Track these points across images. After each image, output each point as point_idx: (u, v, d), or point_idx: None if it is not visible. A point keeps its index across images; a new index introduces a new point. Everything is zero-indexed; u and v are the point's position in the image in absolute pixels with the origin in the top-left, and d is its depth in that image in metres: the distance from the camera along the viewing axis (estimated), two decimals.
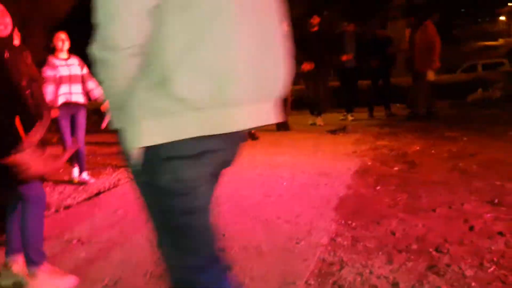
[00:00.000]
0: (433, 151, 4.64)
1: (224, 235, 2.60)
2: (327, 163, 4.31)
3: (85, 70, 4.32)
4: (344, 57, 7.26)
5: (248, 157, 4.83)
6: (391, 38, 8.04)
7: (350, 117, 7.70)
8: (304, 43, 6.66)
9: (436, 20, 7.36)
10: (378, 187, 3.39)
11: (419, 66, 7.16)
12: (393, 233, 2.49)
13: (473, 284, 1.91)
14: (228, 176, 3.94)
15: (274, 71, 1.06)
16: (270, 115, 1.10)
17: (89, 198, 3.71)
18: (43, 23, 8.60)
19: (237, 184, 3.73)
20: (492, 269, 2.03)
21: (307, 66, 6.74)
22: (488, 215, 2.70)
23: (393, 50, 8.05)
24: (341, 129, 6.34)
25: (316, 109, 7.29)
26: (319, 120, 7.19)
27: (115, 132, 1.03)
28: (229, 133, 0.99)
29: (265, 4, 1.06)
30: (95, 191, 3.97)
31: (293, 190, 3.44)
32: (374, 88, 8.11)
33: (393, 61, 7.99)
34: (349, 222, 2.69)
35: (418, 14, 7.84)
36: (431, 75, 7.06)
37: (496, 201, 2.93)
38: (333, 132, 6.31)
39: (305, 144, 5.52)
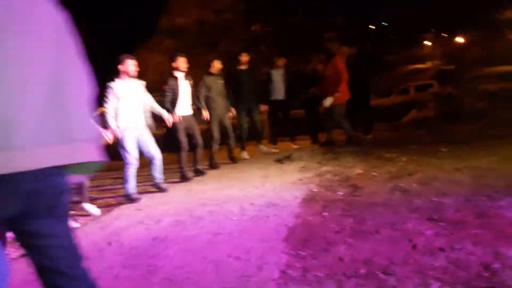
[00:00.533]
0: (374, 173, 4.81)
1: (171, 280, 2.52)
2: (275, 194, 4.33)
3: None
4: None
5: (197, 194, 4.77)
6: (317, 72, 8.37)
7: (274, 149, 7.82)
8: (233, 81, 6.98)
9: (347, 54, 7.94)
10: (325, 213, 3.44)
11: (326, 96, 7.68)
12: (342, 260, 2.51)
13: None
14: (176, 216, 3.88)
15: (65, 116, 1.20)
16: (70, 155, 1.24)
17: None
18: None
19: (184, 224, 3.65)
20: (436, 286, 2.09)
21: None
22: (429, 232, 2.81)
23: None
24: (287, 158, 6.43)
25: (242, 143, 7.47)
26: (244, 154, 7.35)
27: None
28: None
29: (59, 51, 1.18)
30: None
31: (242, 225, 3.41)
32: (307, 118, 8.49)
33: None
34: (299, 252, 2.69)
35: (328, 50, 8.46)
36: (326, 102, 7.53)
37: (435, 217, 3.06)
38: (280, 161, 6.39)
39: (253, 175, 5.54)
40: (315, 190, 4.32)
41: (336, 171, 5.19)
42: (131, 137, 4.82)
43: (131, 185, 4.86)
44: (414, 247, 2.59)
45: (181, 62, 5.79)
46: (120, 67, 4.81)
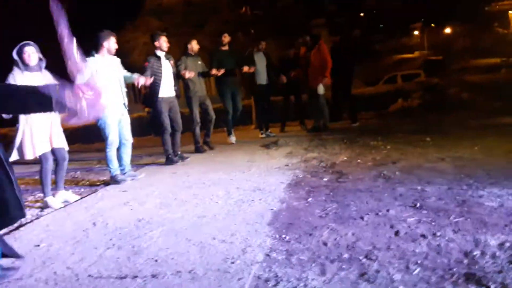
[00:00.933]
0: (359, 161, 4.85)
1: (156, 260, 2.52)
2: (261, 178, 4.35)
3: None
4: (245, 69, 7.24)
5: (182, 177, 4.76)
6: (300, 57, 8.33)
7: (260, 135, 7.85)
8: (215, 62, 6.84)
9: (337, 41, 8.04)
10: (310, 199, 3.47)
11: (312, 83, 7.77)
12: (325, 244, 2.55)
13: (401, 287, 1.99)
14: (160, 198, 3.88)
15: None
16: None
17: (9, 232, 3.42)
18: None
19: (169, 206, 3.64)
20: (417, 271, 2.14)
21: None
22: (412, 219, 2.86)
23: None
24: (274, 143, 6.45)
25: (228, 127, 7.45)
26: (231, 139, 7.34)
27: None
28: None
29: None
30: (16, 224, 3.68)
31: (227, 208, 3.42)
32: (285, 104, 8.49)
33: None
34: (283, 236, 2.72)
35: (312, 34, 8.37)
36: (320, 89, 7.72)
37: (418, 205, 3.11)
38: (267, 146, 6.40)
39: (239, 160, 5.54)
40: (300, 175, 4.35)
41: (322, 157, 5.23)
42: (111, 116, 4.70)
43: (115, 166, 4.80)
44: (397, 233, 2.64)
45: (163, 42, 5.64)
46: (104, 43, 4.69)
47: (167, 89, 5.66)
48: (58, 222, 3.53)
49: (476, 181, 3.57)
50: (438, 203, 3.12)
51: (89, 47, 4.73)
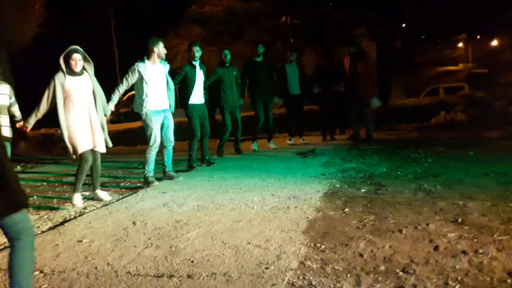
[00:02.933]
0: (398, 173, 4.75)
1: (192, 261, 2.57)
2: (297, 186, 4.34)
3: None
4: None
5: (219, 182, 4.82)
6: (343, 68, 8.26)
7: (288, 141, 7.99)
8: (250, 71, 7.05)
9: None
10: (346, 209, 3.43)
11: (364, 96, 7.69)
12: (361, 255, 2.51)
13: None
14: (197, 201, 3.95)
15: None
16: None
17: (54, 227, 3.59)
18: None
19: (206, 209, 3.70)
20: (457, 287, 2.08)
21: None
22: (452, 234, 2.77)
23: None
24: (311, 152, 6.42)
25: (268, 133, 7.64)
26: (271, 144, 7.50)
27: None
28: None
29: None
30: (60, 220, 3.85)
31: (263, 214, 3.44)
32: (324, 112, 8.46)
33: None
34: (318, 245, 2.70)
35: (357, 46, 8.23)
36: (376, 102, 7.90)
37: (459, 220, 3.02)
38: (303, 154, 6.39)
39: (276, 167, 5.55)
40: (337, 185, 4.31)
41: (360, 168, 5.16)
42: (155, 119, 4.87)
43: (150, 168, 4.91)
44: (436, 248, 2.57)
45: (196, 52, 5.82)
46: (154, 48, 4.85)
47: (198, 96, 5.85)
48: (100, 219, 3.66)
49: None
50: (481, 220, 3.01)
51: (139, 53, 4.94)
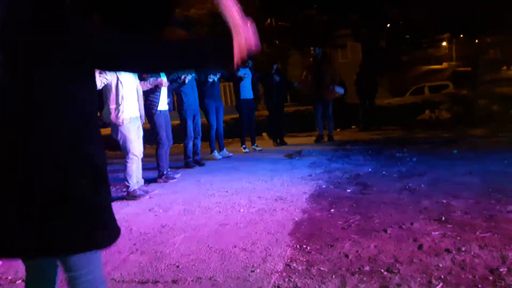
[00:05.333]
0: (384, 172, 4.79)
1: (178, 266, 2.56)
2: (283, 188, 4.35)
3: None
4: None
5: (206, 185, 4.80)
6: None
7: (243, 149, 7.59)
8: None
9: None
10: (332, 210, 3.45)
11: (327, 95, 7.98)
12: (347, 256, 2.52)
13: None
14: (184, 205, 3.91)
15: None
16: None
17: None
18: None
19: (192, 214, 3.69)
20: (439, 286, 2.10)
21: None
22: (436, 233, 2.80)
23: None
24: (297, 153, 6.44)
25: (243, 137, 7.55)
26: (242, 149, 7.40)
27: None
28: None
29: None
30: None
31: (249, 217, 3.43)
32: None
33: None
34: (304, 246, 2.71)
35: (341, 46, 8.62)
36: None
37: (443, 218, 3.05)
38: (290, 156, 6.40)
39: (262, 169, 5.55)
40: (323, 186, 4.33)
41: (345, 168, 5.19)
42: (132, 128, 4.42)
43: (134, 180, 4.46)
44: (420, 247, 2.59)
45: None
46: None
47: (163, 103, 5.27)
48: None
49: (505, 195, 3.47)
50: (464, 218, 3.05)
51: None
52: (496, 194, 3.53)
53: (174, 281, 2.37)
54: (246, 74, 6.99)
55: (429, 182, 4.18)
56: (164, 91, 5.19)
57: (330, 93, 7.96)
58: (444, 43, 35.36)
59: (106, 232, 1.33)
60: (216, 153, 6.76)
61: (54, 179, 1.21)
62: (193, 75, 6.05)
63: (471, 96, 12.55)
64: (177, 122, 6.19)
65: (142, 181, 4.66)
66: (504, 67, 20.51)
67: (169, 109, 5.37)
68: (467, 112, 10.54)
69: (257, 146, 7.51)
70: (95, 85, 1.41)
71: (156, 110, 5.04)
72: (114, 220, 1.38)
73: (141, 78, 4.82)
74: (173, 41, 1.30)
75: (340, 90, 7.98)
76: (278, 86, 7.76)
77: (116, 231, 1.37)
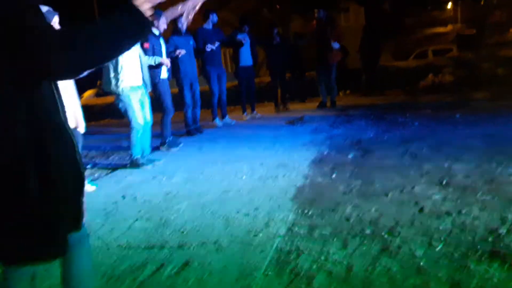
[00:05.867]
0: (385, 137, 4.80)
1: (183, 232, 2.61)
2: (285, 155, 4.37)
3: None
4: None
5: (209, 153, 4.83)
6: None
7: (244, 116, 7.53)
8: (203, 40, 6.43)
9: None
10: (334, 175, 3.47)
11: (330, 58, 7.83)
12: (348, 219, 2.56)
13: (421, 263, 2.00)
14: (187, 173, 3.94)
15: None
16: None
17: None
18: None
19: (195, 181, 3.72)
20: (440, 247, 2.14)
21: None
22: (437, 196, 2.83)
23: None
24: (299, 120, 6.43)
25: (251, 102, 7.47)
26: (244, 117, 7.32)
27: None
28: None
29: None
30: None
31: (252, 184, 3.47)
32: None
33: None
34: (306, 211, 2.75)
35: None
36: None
37: (444, 182, 3.07)
38: (292, 122, 6.39)
39: (265, 136, 5.56)
40: (325, 152, 4.34)
41: (347, 134, 5.19)
42: (133, 97, 4.40)
43: (137, 150, 4.47)
44: (421, 210, 2.63)
45: (162, 23, 4.90)
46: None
47: (164, 71, 5.19)
48: (89, 194, 3.66)
49: (507, 158, 3.47)
50: (465, 181, 3.07)
51: None
52: (498, 157, 3.53)
53: (179, 246, 2.42)
54: (245, 39, 6.84)
55: (431, 146, 4.18)
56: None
57: (334, 56, 7.80)
58: (449, 5, 34.51)
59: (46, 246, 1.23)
60: (217, 121, 6.73)
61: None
62: (191, 43, 5.95)
63: (475, 59, 12.39)
64: (176, 90, 6.12)
65: (149, 150, 4.68)
66: (510, 30, 20.08)
67: (168, 77, 5.31)
68: (471, 75, 10.42)
69: (256, 113, 7.47)
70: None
71: (160, 79, 5.00)
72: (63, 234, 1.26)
73: (143, 48, 4.73)
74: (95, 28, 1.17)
75: (335, 45, 7.80)
76: (279, 49, 7.60)
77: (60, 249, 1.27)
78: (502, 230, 2.25)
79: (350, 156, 4.09)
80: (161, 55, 5.04)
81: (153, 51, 4.94)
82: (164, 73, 5.13)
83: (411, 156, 3.88)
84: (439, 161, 3.62)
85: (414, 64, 14.92)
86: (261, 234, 2.46)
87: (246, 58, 7.07)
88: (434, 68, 12.40)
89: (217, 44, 6.33)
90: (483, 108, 6.27)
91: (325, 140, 4.93)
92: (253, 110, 7.45)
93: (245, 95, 7.28)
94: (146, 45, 4.85)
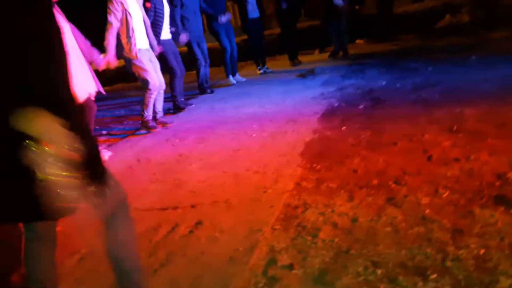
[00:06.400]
0: (398, 85, 4.71)
1: (195, 192, 2.69)
2: (295, 109, 4.36)
3: None
4: None
5: (219, 112, 4.86)
6: None
7: (258, 71, 7.50)
8: None
9: None
10: (343, 128, 3.47)
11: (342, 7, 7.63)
12: (355, 171, 2.59)
13: (427, 211, 2.03)
14: (199, 133, 4.01)
15: None
16: None
17: None
18: None
19: (207, 141, 3.78)
20: (446, 194, 2.16)
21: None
22: (446, 142, 2.81)
23: None
24: (310, 72, 6.34)
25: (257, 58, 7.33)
26: (258, 71, 7.27)
27: None
28: None
29: None
30: None
31: (261, 141, 3.50)
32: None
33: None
34: (314, 165, 2.78)
35: None
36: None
37: (454, 128, 3.04)
38: (303, 75, 6.31)
39: (274, 91, 5.53)
40: (335, 104, 4.31)
41: (359, 84, 5.11)
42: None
43: (150, 112, 4.51)
44: (429, 158, 2.62)
45: None
46: None
47: (166, 32, 5.12)
48: (105, 161, 3.78)
49: None
50: (476, 126, 3.03)
51: None
52: (511, 100, 3.45)
53: (192, 206, 2.51)
54: None
55: (443, 91, 4.10)
56: (166, 21, 5.04)
57: (342, 8, 7.55)
58: None
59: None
60: (231, 78, 6.70)
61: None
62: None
63: None
64: (185, 48, 6.07)
65: (161, 113, 4.73)
66: None
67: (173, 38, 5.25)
68: (490, 14, 9.92)
69: (267, 68, 7.36)
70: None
71: (160, 40, 4.93)
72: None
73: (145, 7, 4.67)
74: None
75: (338, 1, 7.51)
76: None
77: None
78: (510, 174, 2.24)
79: (360, 106, 4.06)
80: (163, 16, 4.94)
81: (155, 11, 4.85)
82: (165, 34, 5.06)
83: (422, 103, 3.82)
84: (450, 106, 3.55)
85: (430, 5, 14.27)
86: (270, 191, 2.52)
87: (253, 10, 6.90)
88: (451, 7, 11.83)
89: (228, 15, 6.17)
90: (501, 48, 6.03)
91: (336, 92, 4.88)
92: (263, 64, 7.35)
93: (256, 49, 7.16)
94: (148, 4, 4.74)
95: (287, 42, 7.85)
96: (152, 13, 4.80)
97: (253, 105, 4.89)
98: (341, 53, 7.84)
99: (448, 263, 1.67)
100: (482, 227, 1.84)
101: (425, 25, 11.00)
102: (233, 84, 6.60)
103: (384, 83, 4.95)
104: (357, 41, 9.60)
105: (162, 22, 4.94)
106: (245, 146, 3.44)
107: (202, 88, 6.09)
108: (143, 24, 4.37)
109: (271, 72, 7.29)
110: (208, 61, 6.07)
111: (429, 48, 7.31)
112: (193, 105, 5.40)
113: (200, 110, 5.18)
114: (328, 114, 3.97)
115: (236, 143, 3.56)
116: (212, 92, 6.13)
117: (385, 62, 6.33)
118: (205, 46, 6.00)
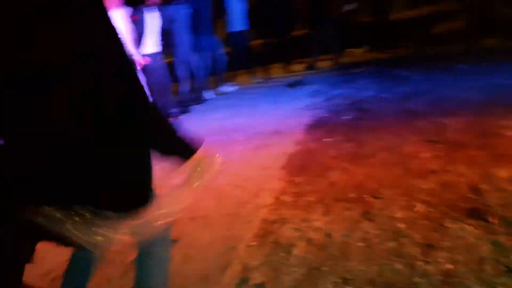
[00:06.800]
0: (385, 95, 4.72)
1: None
2: (282, 121, 4.37)
3: None
4: None
5: (208, 123, 4.86)
6: None
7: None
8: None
9: None
10: (326, 139, 3.48)
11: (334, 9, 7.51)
12: (334, 184, 2.61)
13: (399, 225, 2.05)
14: None
15: None
16: None
17: None
18: None
19: None
20: (419, 207, 2.17)
21: None
22: (425, 154, 2.83)
23: None
24: (300, 82, 6.35)
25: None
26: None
27: None
28: None
29: None
30: None
31: (246, 154, 3.52)
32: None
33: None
34: (295, 178, 2.80)
35: None
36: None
37: (435, 139, 3.06)
38: (292, 85, 6.32)
39: (264, 102, 5.54)
40: (322, 115, 4.32)
41: (347, 94, 5.13)
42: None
43: None
44: (407, 170, 2.64)
45: None
46: None
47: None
48: None
49: (504, 110, 3.39)
50: (457, 136, 3.05)
51: None
52: (495, 109, 3.47)
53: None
54: None
55: (429, 101, 4.11)
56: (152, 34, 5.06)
57: (339, 8, 7.45)
58: None
59: None
60: (222, 88, 6.74)
61: None
62: (183, 12, 5.82)
63: (492, 4, 11.78)
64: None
65: None
66: None
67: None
68: (485, 20, 9.96)
69: (254, 78, 7.35)
70: None
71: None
72: None
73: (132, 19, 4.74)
74: None
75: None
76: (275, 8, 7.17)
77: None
78: (484, 186, 2.26)
79: (346, 117, 4.07)
80: (143, 30, 4.92)
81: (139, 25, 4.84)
82: (149, 48, 4.99)
83: (406, 114, 3.84)
84: (434, 117, 3.58)
85: (426, 12, 14.33)
86: (249, 205, 2.53)
87: (236, 22, 6.83)
88: (446, 14, 11.88)
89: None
90: (491, 56, 6.05)
91: (323, 102, 4.89)
92: (251, 77, 7.39)
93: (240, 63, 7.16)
94: (134, 17, 4.75)
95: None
96: (138, 26, 4.83)
97: (241, 116, 4.89)
98: (328, 63, 7.68)
99: (416, 279, 1.68)
100: (452, 241, 1.86)
101: (419, 32, 11.04)
102: (223, 94, 6.61)
103: (372, 93, 4.97)
104: (355, 50, 9.55)
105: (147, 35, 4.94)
106: (229, 159, 3.45)
107: (183, 106, 6.07)
108: (129, 39, 4.41)
109: (259, 82, 7.27)
110: (202, 71, 6.11)
111: (421, 56, 7.34)
112: (179, 117, 5.40)
113: (188, 122, 5.19)
114: (313, 126, 3.98)
115: (221, 156, 3.56)
116: (201, 102, 6.14)
117: (376, 71, 6.35)
118: (194, 59, 6.01)
